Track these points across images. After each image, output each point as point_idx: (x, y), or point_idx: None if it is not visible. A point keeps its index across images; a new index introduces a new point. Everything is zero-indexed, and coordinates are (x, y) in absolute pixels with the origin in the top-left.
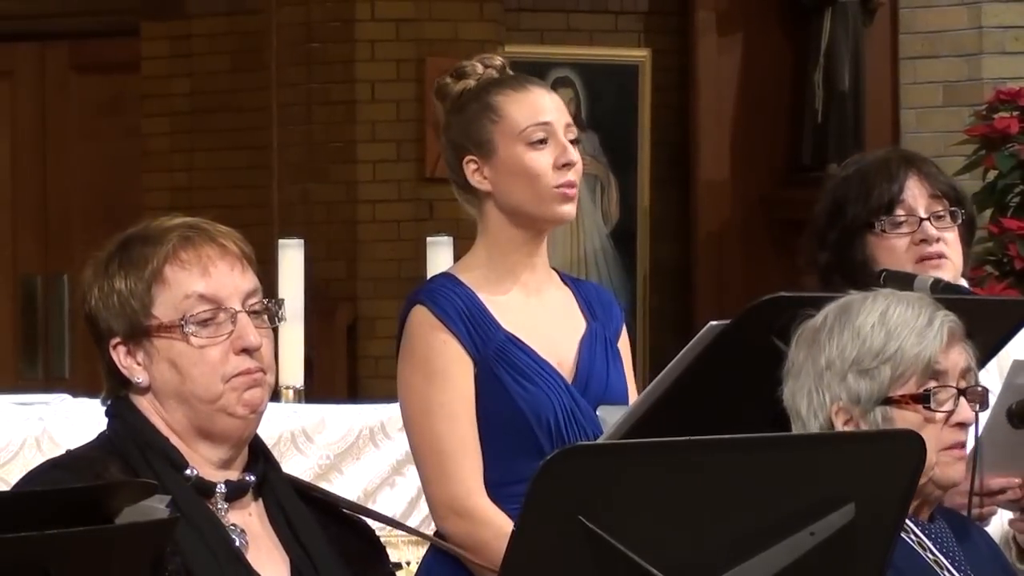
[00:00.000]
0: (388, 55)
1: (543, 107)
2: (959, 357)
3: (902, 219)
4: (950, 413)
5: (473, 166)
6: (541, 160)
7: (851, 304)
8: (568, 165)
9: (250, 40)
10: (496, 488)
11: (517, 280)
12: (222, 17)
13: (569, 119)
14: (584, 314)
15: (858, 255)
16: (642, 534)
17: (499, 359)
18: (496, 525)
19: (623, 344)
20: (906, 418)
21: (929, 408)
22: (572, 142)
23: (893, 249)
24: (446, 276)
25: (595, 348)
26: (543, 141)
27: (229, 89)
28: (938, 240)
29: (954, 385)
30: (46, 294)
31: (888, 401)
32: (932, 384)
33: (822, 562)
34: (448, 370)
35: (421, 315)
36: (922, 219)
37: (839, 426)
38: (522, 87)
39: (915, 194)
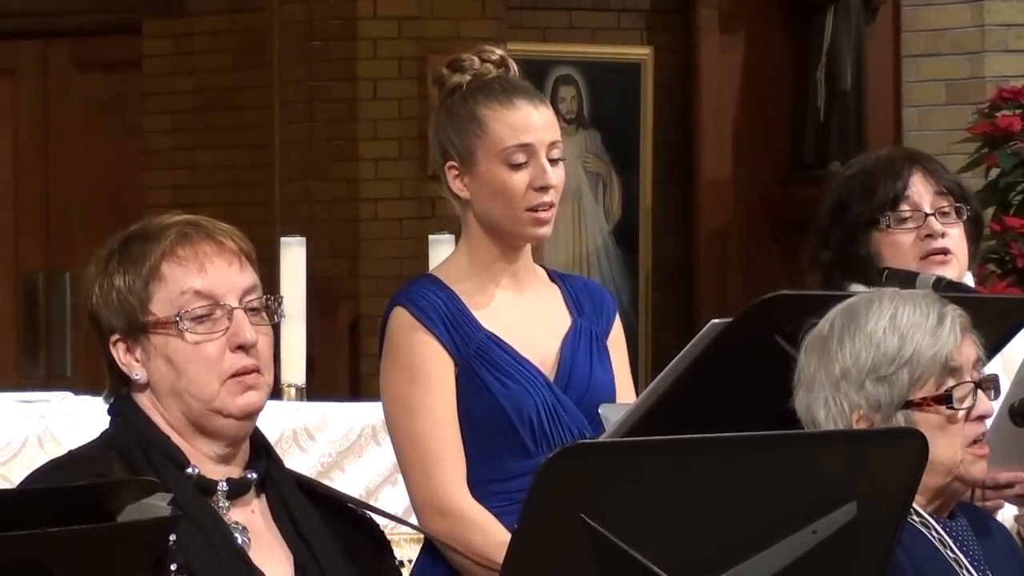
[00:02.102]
0: (390, 53)
1: (527, 126)
2: (971, 350)
3: (907, 215)
4: (970, 408)
5: (454, 172)
6: (517, 181)
7: (857, 309)
8: (544, 189)
9: (252, 38)
10: (481, 486)
11: (498, 281)
12: (224, 15)
13: (554, 136)
14: (570, 311)
15: (862, 251)
16: (644, 532)
17: (479, 358)
18: (479, 523)
19: (615, 336)
20: (928, 420)
21: (952, 407)
22: (556, 160)
23: (898, 245)
24: (427, 277)
25: (578, 345)
26: (521, 162)
27: (231, 87)
28: (943, 235)
29: (970, 379)
30: (48, 292)
31: (909, 405)
32: (950, 382)
33: (824, 560)
34: (429, 371)
35: (401, 316)
36: (927, 214)
37: None
38: (509, 102)
39: (920, 191)
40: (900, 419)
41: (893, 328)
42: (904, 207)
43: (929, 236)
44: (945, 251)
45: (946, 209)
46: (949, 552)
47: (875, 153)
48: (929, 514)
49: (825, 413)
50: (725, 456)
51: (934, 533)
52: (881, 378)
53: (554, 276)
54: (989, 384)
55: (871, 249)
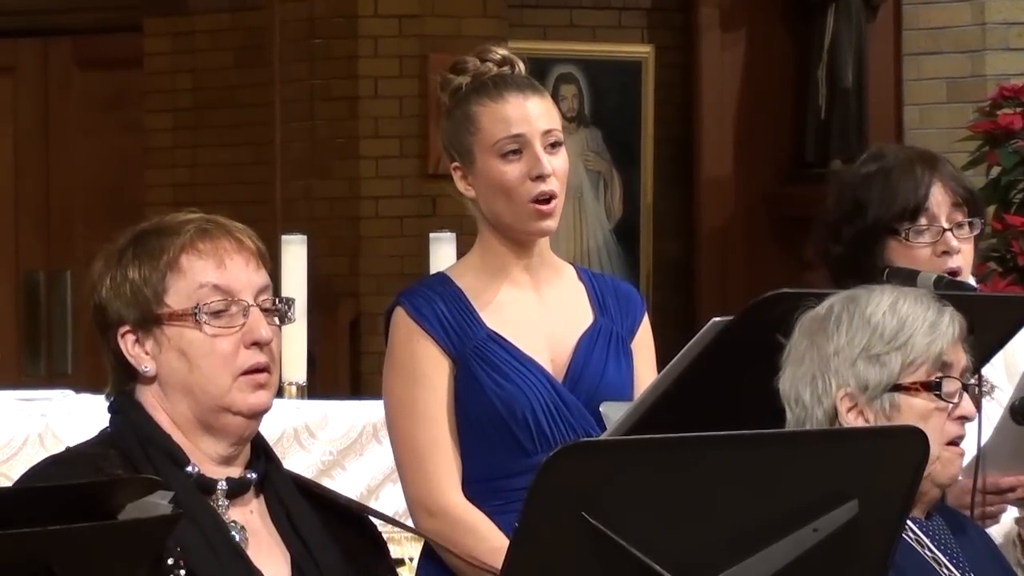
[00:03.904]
0: (391, 51)
1: (517, 118)
2: (963, 355)
3: (924, 227)
4: (955, 406)
5: (459, 173)
6: (513, 173)
7: (858, 295)
8: (541, 177)
9: (253, 36)
10: (479, 484)
11: (510, 279)
12: (225, 13)
13: (550, 125)
14: (593, 309)
15: (876, 258)
16: (645, 530)
17: (477, 357)
18: (469, 524)
19: (642, 338)
20: (913, 405)
21: (939, 396)
22: (555, 145)
23: (914, 259)
24: (437, 275)
25: (595, 343)
26: (515, 152)
27: (232, 85)
28: (958, 252)
29: (959, 379)
30: (49, 290)
31: (897, 388)
32: (940, 375)
33: (825, 558)
34: (424, 372)
35: (399, 317)
36: (945, 229)
37: (844, 412)
38: (499, 96)
39: (939, 201)
40: (886, 402)
41: (893, 312)
42: (922, 220)
43: (945, 252)
44: (959, 272)
45: (962, 222)
46: (927, 552)
47: (890, 151)
48: None
49: (811, 390)
50: (726, 454)
51: (910, 534)
52: (873, 357)
53: (582, 275)
54: (975, 391)
55: (884, 257)
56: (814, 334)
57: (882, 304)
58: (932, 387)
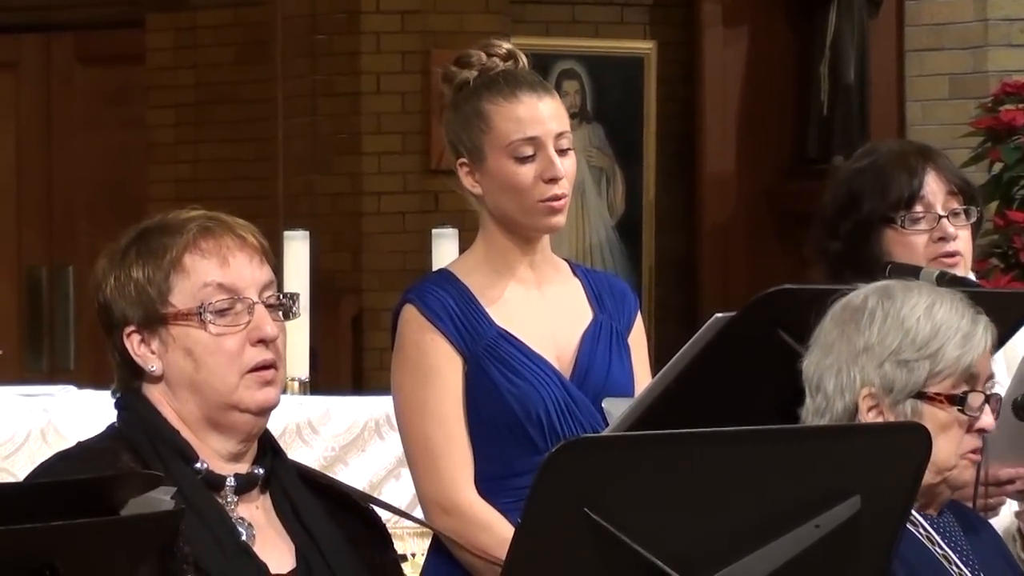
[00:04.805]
0: (393, 47)
1: (531, 119)
2: (989, 365)
3: (920, 215)
4: (976, 418)
5: (465, 169)
6: (526, 175)
7: (894, 291)
8: (554, 180)
9: (255, 32)
10: (490, 482)
11: (515, 276)
12: (227, 9)
13: (562, 127)
14: (592, 306)
15: (874, 249)
16: (647, 526)
17: (489, 355)
18: (484, 521)
19: (637, 333)
20: (936, 416)
21: (963, 411)
22: (565, 151)
23: (911, 246)
24: (442, 273)
25: (598, 340)
26: (530, 156)
27: (234, 81)
28: (955, 238)
29: (983, 391)
30: (51, 286)
31: (921, 396)
32: (966, 388)
33: (827, 554)
34: (436, 369)
35: (410, 314)
36: (940, 216)
37: (864, 410)
38: (513, 96)
39: (933, 190)
40: (907, 407)
41: (928, 318)
42: (918, 207)
43: (942, 239)
44: (956, 254)
45: (957, 210)
46: (937, 548)
47: (883, 145)
48: (916, 511)
49: (835, 382)
50: (728, 450)
51: (922, 530)
52: (902, 362)
53: (577, 270)
54: (995, 402)
55: (882, 247)
56: (845, 324)
57: (918, 307)
58: (957, 401)
